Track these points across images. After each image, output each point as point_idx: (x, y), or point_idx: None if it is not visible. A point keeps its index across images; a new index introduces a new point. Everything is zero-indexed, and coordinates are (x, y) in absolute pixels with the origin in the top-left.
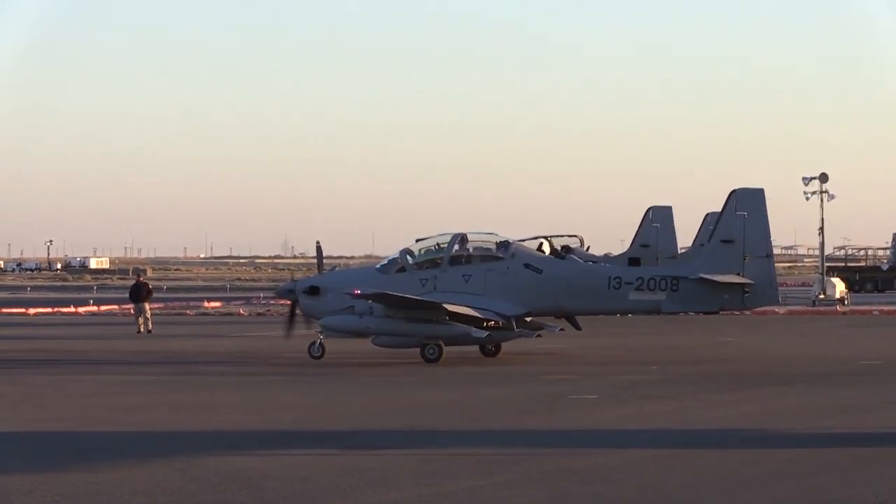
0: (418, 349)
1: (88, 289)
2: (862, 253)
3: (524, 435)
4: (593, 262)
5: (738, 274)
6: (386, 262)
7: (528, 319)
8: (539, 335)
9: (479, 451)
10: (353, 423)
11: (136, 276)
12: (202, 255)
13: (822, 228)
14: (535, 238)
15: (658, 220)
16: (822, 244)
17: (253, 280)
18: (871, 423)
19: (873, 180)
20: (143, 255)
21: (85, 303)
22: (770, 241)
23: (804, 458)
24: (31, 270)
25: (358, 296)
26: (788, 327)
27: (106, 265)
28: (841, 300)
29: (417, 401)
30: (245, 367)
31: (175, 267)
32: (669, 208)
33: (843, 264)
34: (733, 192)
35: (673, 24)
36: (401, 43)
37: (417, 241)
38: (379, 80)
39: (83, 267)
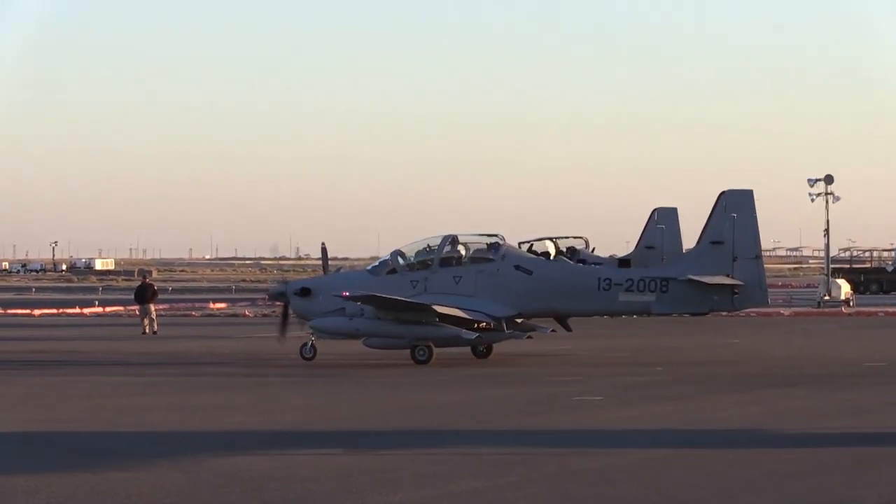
0: (408, 351)
1: (93, 290)
2: (867, 254)
3: (529, 436)
4: (598, 263)
5: (728, 275)
6: (377, 263)
7: (520, 321)
8: (530, 336)
9: (483, 452)
10: (357, 424)
11: (141, 278)
12: (207, 257)
13: (827, 230)
14: (541, 239)
15: (663, 221)
16: (828, 246)
17: (258, 281)
18: (876, 424)
19: (879, 182)
20: (149, 256)
21: (90, 304)
22: (759, 243)
23: (808, 458)
24: (36, 271)
25: (346, 298)
26: (793, 328)
27: (111, 266)
28: (846, 301)
29: (421, 402)
30: (250, 369)
31: (180, 268)
32: (675, 209)
33: (848, 266)
34: (722, 193)
35: (677, 24)
36: (404, 42)
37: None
38: (383, 79)
39: (88, 268)
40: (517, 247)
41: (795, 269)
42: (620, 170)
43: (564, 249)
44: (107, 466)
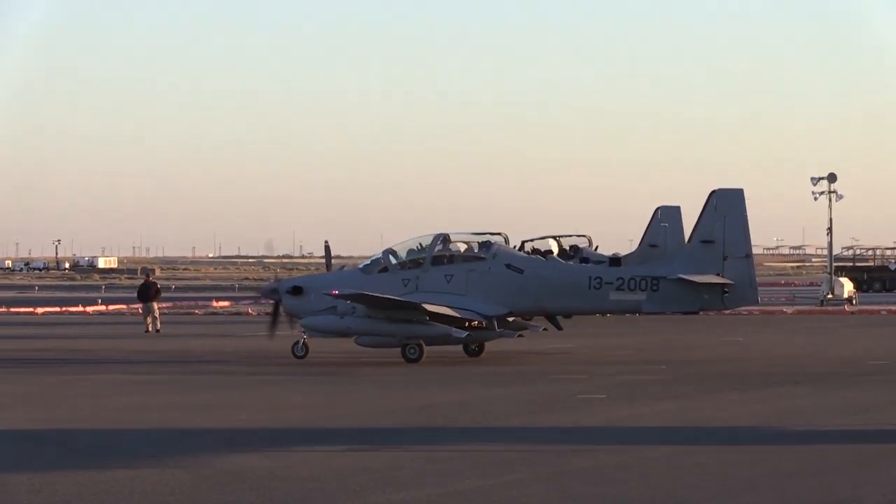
0: (399, 349)
1: (97, 288)
2: (870, 253)
3: (533, 434)
4: (602, 261)
5: (718, 274)
6: (369, 262)
7: (511, 319)
8: (521, 335)
9: (486, 451)
10: (360, 422)
11: (144, 276)
12: (210, 255)
13: (830, 228)
14: (544, 238)
15: (666, 219)
16: (831, 244)
17: (261, 279)
18: (878, 422)
19: (882, 180)
20: (152, 255)
21: (93, 302)
22: (749, 242)
23: (811, 457)
24: (40, 270)
25: (336, 296)
26: (797, 327)
27: (114, 264)
28: (849, 300)
29: (425, 400)
30: (253, 367)
31: (184, 266)
32: (678, 208)
33: (851, 264)
34: (713, 192)
35: (680, 22)
36: (407, 39)
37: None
38: (387, 76)
39: (91, 266)
40: (521, 245)
41: (798, 267)
42: (623, 168)
43: (568, 248)
44: (110, 464)
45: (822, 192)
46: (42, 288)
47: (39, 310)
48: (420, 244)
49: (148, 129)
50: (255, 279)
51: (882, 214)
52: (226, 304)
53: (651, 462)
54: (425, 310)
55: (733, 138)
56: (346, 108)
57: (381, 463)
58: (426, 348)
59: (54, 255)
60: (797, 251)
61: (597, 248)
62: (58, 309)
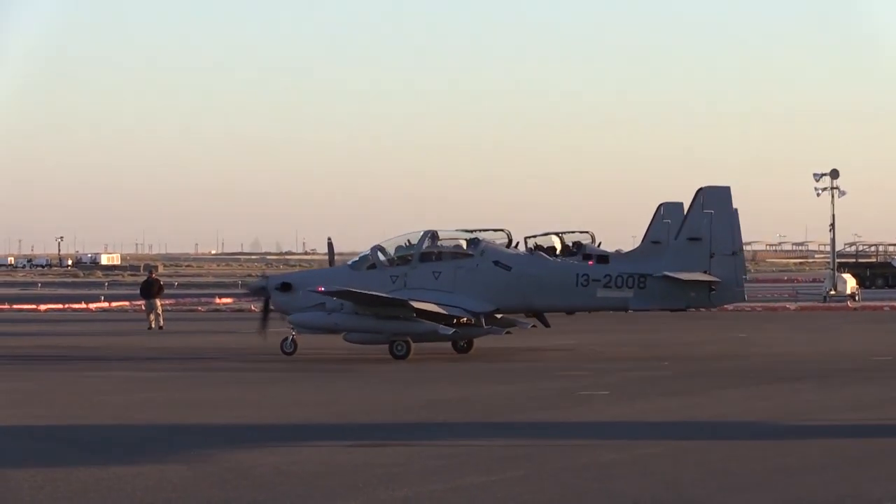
0: (387, 346)
1: (99, 285)
2: (873, 249)
3: (536, 431)
4: (604, 257)
5: (705, 272)
6: (357, 258)
7: (499, 316)
8: (509, 332)
9: (490, 447)
10: (364, 419)
11: (147, 273)
12: (213, 252)
13: (833, 224)
14: (547, 234)
15: (669, 216)
16: (833, 240)
17: (264, 276)
18: (882, 418)
19: (884, 176)
20: (155, 252)
21: (96, 299)
22: (737, 239)
23: (815, 453)
24: (42, 267)
25: (322, 293)
26: (799, 323)
27: (117, 261)
28: (852, 296)
29: (428, 397)
30: (256, 364)
31: (186, 263)
32: (681, 204)
33: (853, 260)
34: (700, 189)
35: (683, 19)
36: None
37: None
38: (390, 74)
39: (94, 263)
40: (523, 241)
41: (801, 263)
42: (626, 164)
43: (570, 244)
44: (113, 461)
45: (824, 189)
46: (45, 285)
47: (42, 307)
48: (408, 241)
49: (151, 125)
50: (257, 276)
51: (885, 210)
52: (228, 300)
53: (654, 458)
54: (412, 307)
55: (735, 135)
56: (350, 104)
57: (386, 459)
58: (414, 345)
59: (57, 251)
60: (800, 247)
61: (599, 244)
62: (61, 306)
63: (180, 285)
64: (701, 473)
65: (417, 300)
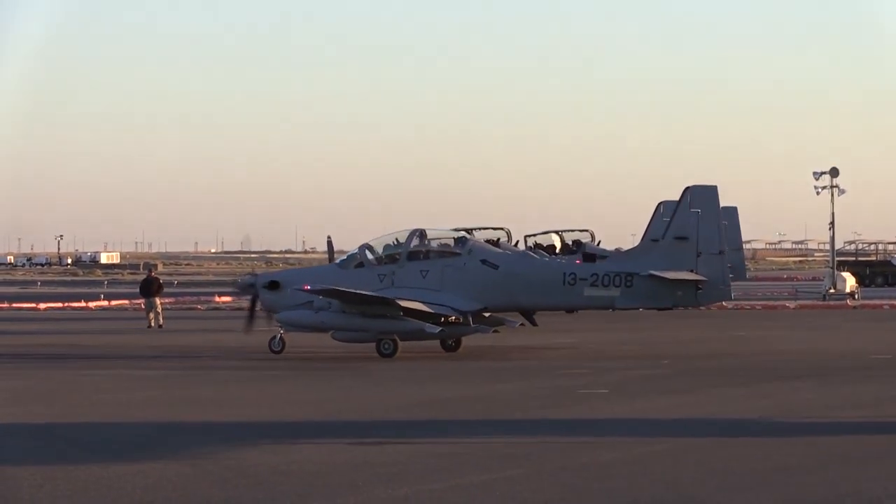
0: (374, 344)
1: (99, 283)
2: (872, 247)
3: (536, 429)
4: (604, 256)
5: (692, 270)
6: (346, 257)
7: (487, 315)
8: (496, 330)
9: (489, 446)
10: (363, 417)
11: (146, 271)
12: (213, 250)
13: (832, 223)
14: (547, 233)
15: (668, 214)
16: (833, 239)
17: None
18: (882, 416)
19: (884, 175)
20: (154, 250)
21: (95, 298)
22: (723, 238)
23: (815, 451)
24: (42, 265)
25: (307, 291)
26: (799, 322)
27: (116, 260)
28: (851, 295)
29: (428, 395)
30: (255, 362)
31: (186, 262)
32: None
33: (853, 259)
34: (687, 188)
35: (682, 17)
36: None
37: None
38: (390, 74)
39: (94, 262)
40: (523, 240)
41: (800, 262)
42: (625, 163)
43: (570, 242)
44: (112, 459)
45: (824, 187)
46: (44, 283)
47: (42, 305)
48: (396, 239)
49: (150, 123)
50: (247, 274)
51: (884, 209)
52: (228, 299)
53: (653, 457)
54: (399, 305)
55: (735, 134)
56: (348, 104)
57: (386, 458)
58: (401, 344)
59: (57, 250)
60: (799, 246)
61: (599, 242)
62: (60, 304)
63: (180, 284)
64: (700, 472)
65: (404, 299)
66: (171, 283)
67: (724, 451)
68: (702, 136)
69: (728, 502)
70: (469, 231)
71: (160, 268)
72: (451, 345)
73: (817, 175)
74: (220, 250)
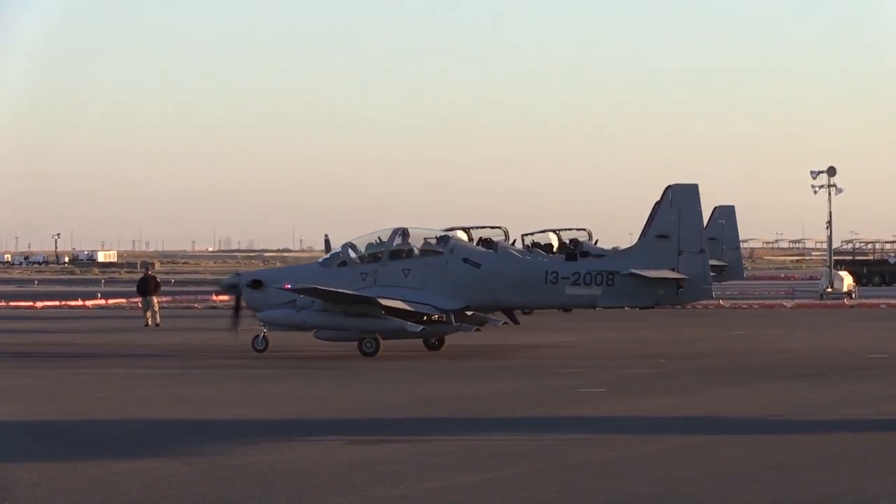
0: (356, 343)
1: (96, 282)
2: (870, 246)
3: (533, 428)
4: (601, 255)
5: (673, 269)
6: (328, 256)
7: (470, 313)
8: (478, 329)
9: (487, 445)
10: (360, 416)
11: (143, 270)
12: (210, 249)
13: (829, 222)
14: (544, 231)
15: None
16: (830, 238)
17: (237, 274)
18: (879, 415)
19: (881, 174)
20: (151, 249)
21: (93, 296)
22: (704, 237)
23: (812, 450)
24: (39, 264)
25: (288, 290)
26: (796, 321)
27: (114, 258)
28: (848, 294)
29: (424, 394)
30: (252, 361)
31: (183, 260)
32: None
33: (850, 258)
34: (668, 187)
35: (678, 13)
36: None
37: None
38: (389, 74)
39: (91, 260)
40: (520, 239)
41: (798, 261)
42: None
43: (568, 241)
44: (108, 458)
45: (821, 186)
46: (41, 282)
47: (39, 304)
48: (379, 238)
49: (147, 122)
50: (231, 273)
51: (882, 208)
52: (225, 297)
53: (651, 455)
54: (380, 304)
55: (733, 132)
56: (346, 104)
57: (382, 456)
58: (383, 343)
59: (54, 248)
60: (796, 245)
61: (596, 241)
62: (57, 303)
63: (177, 282)
64: (698, 470)
65: (385, 297)
66: (168, 282)
67: (722, 449)
68: (700, 135)
69: (725, 501)
70: (466, 230)
71: (157, 266)
72: (434, 343)
73: (815, 174)
74: (217, 249)
